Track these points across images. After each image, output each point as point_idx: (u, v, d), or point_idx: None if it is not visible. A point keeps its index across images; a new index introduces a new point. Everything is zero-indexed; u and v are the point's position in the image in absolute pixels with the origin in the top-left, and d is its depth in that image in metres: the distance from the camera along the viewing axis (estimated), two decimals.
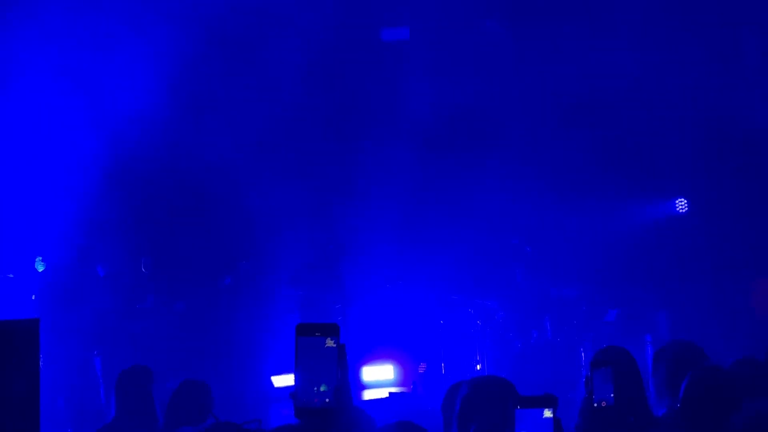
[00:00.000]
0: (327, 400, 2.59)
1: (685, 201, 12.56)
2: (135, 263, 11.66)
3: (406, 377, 11.71)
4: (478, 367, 10.76)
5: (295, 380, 2.61)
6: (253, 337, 11.57)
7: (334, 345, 2.62)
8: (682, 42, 11.35)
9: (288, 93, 11.62)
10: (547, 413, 3.08)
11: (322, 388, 2.59)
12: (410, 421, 3.56)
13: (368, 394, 10.97)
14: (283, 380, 11.19)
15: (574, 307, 11.28)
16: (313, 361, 2.61)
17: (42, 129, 10.11)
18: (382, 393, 10.90)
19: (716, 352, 5.50)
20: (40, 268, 10.03)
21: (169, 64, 10.49)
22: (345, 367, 2.67)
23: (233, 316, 11.60)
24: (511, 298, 11.32)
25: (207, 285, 11.64)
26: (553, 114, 11.98)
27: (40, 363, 3.45)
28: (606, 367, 3.73)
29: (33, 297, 9.83)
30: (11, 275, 9.80)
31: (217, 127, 11.58)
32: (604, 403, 3.67)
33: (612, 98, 11.66)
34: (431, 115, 12.04)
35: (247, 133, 11.74)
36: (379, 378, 11.66)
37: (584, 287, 11.53)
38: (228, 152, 11.48)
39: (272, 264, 11.73)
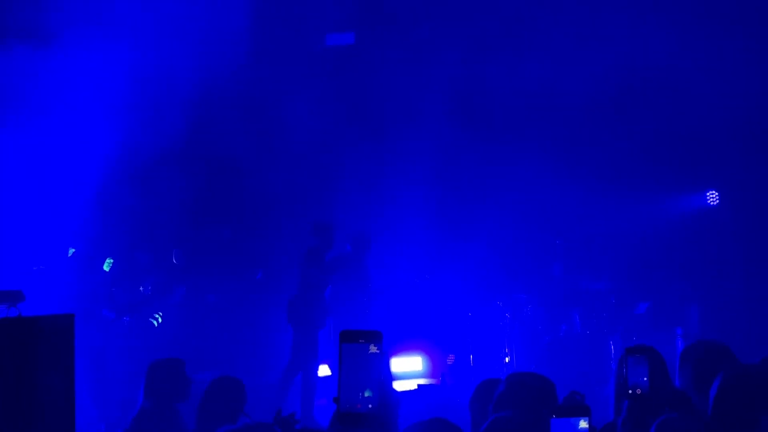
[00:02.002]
0: (370, 405, 2.64)
1: (717, 193, 12.47)
2: (167, 255, 11.79)
3: (434, 369, 11.72)
4: (507, 360, 10.76)
5: (339, 386, 2.67)
6: (284, 328, 11.63)
7: (378, 351, 2.68)
8: (715, 34, 11.23)
9: (316, 86, 11.64)
10: (583, 423, 3.10)
11: (366, 394, 2.65)
12: (443, 418, 3.59)
13: (397, 386, 10.99)
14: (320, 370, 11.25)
15: (604, 300, 11.24)
16: (357, 367, 2.67)
17: (74, 117, 10.16)
18: (411, 384, 10.93)
19: (746, 346, 5.48)
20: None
21: (206, 49, 10.52)
22: (388, 374, 2.74)
23: (264, 308, 11.68)
24: (540, 290, 11.30)
25: (239, 277, 11.72)
26: (586, 107, 11.91)
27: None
28: (641, 354, 3.75)
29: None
30: (36, 268, 9.90)
31: (247, 119, 11.64)
32: (639, 390, 3.69)
33: (644, 92, 11.57)
34: (463, 104, 12.01)
35: (277, 124, 11.78)
36: (408, 369, 11.69)
37: (614, 280, 11.48)
38: (256, 145, 11.54)
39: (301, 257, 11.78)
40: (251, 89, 11.68)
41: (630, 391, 3.70)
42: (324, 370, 10.94)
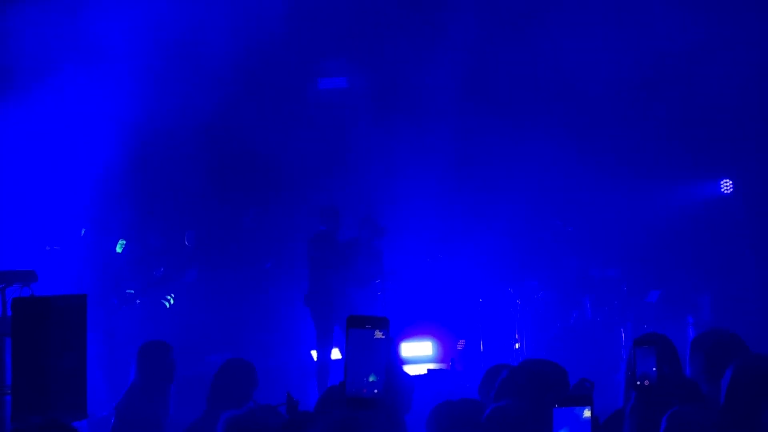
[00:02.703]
0: (376, 390, 2.65)
1: (731, 182, 12.41)
2: (179, 237, 11.83)
3: (444, 354, 11.73)
4: (517, 345, 10.76)
5: (345, 370, 2.69)
6: (294, 311, 11.66)
7: (383, 337, 2.70)
8: (732, 20, 11.15)
9: (333, 69, 11.63)
10: (587, 413, 3.10)
11: (371, 379, 2.67)
12: (473, 399, 3.59)
13: (407, 371, 11.02)
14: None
15: (615, 288, 11.21)
16: (363, 352, 2.70)
17: (84, 101, 10.18)
18: (421, 369, 10.95)
19: (759, 335, 5.46)
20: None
21: (219, 33, 10.52)
22: (397, 359, 2.77)
23: (277, 289, 11.71)
24: (551, 277, 11.28)
25: (251, 259, 11.75)
26: (602, 94, 11.84)
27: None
28: (649, 345, 3.75)
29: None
30: (50, 248, 9.94)
31: (261, 99, 11.64)
32: (647, 381, 3.69)
33: (660, 79, 11.50)
34: (478, 88, 11.96)
35: (293, 103, 11.81)
36: (418, 354, 11.70)
37: (626, 267, 11.45)
38: (270, 126, 11.55)
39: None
40: (268, 70, 11.67)
41: (638, 382, 3.70)
42: (336, 354, 10.98)
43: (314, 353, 11.19)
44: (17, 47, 9.53)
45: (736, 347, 4.30)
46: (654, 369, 3.69)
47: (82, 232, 10.14)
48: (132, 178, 11.00)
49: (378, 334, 2.71)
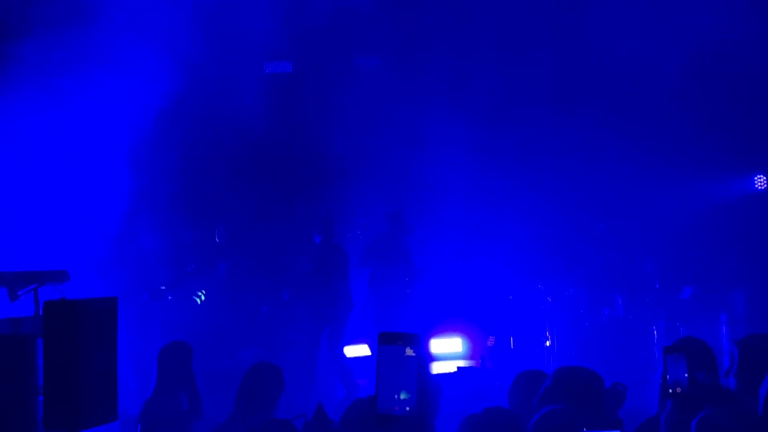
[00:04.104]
0: (407, 408, 2.65)
1: (765, 178, 12.26)
2: (210, 232, 11.89)
3: (474, 351, 11.71)
4: (548, 343, 10.71)
5: (377, 388, 2.68)
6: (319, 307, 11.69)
7: (414, 354, 2.69)
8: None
9: (362, 70, 11.61)
10: None
11: (402, 396, 2.66)
12: (501, 406, 3.58)
13: (437, 367, 11.03)
14: (355, 350, 11.31)
15: (648, 284, 11.12)
16: (394, 369, 2.68)
17: (116, 98, 10.22)
18: (451, 366, 10.94)
19: None
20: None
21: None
22: (426, 376, 2.74)
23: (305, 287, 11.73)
24: (582, 274, 11.21)
25: (282, 254, 11.79)
26: (636, 90, 11.73)
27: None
28: (679, 352, 3.71)
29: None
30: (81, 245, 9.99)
31: (291, 92, 11.66)
32: (679, 389, 3.65)
33: (694, 74, 11.36)
34: (506, 80, 11.88)
35: (323, 100, 11.81)
36: (448, 351, 11.69)
37: (658, 264, 11.35)
38: (299, 122, 11.57)
39: (342, 238, 11.82)
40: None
41: (671, 390, 3.67)
42: (359, 350, 11.02)
43: (345, 349, 11.22)
44: (44, 40, 9.60)
45: None
46: (686, 375, 3.65)
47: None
48: (165, 173, 11.04)
49: (409, 351, 2.70)
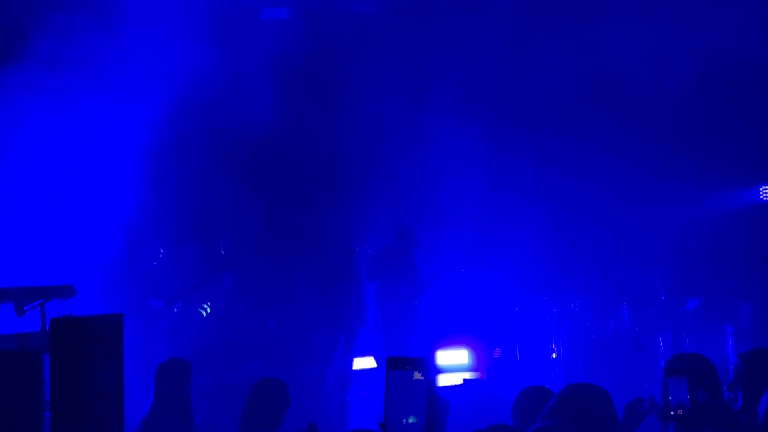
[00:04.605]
0: None
1: None
2: (216, 244, 11.91)
3: (480, 362, 11.71)
4: (554, 355, 10.70)
5: (385, 412, 2.69)
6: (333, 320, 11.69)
7: (422, 378, 2.70)
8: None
9: (363, 81, 11.62)
10: None
11: (410, 420, 2.67)
12: (503, 423, 3.57)
13: (443, 379, 11.03)
14: (359, 363, 11.32)
15: (653, 296, 11.10)
16: (403, 394, 2.69)
17: (123, 101, 10.22)
18: (457, 378, 10.94)
19: None
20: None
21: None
22: (435, 399, 2.74)
23: (312, 300, 11.74)
24: (588, 285, 11.19)
25: (287, 268, 11.80)
26: (639, 99, 11.74)
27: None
28: (680, 375, 3.70)
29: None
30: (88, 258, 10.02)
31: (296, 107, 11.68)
32: (680, 411, 3.63)
33: (699, 85, 11.36)
34: (510, 93, 11.89)
35: (327, 112, 11.83)
36: (454, 362, 11.70)
37: (664, 275, 11.33)
38: (297, 140, 11.60)
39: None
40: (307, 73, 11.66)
41: (672, 413, 3.65)
42: (364, 363, 11.03)
43: (354, 362, 11.21)
44: (52, 55, 9.62)
45: None
46: (687, 397, 3.63)
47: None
48: (167, 185, 11.06)
49: (417, 375, 2.71)
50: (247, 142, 11.82)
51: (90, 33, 9.62)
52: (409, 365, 2.69)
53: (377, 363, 11.10)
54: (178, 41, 9.83)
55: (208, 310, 11.26)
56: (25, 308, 5.12)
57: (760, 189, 12.33)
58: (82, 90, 9.71)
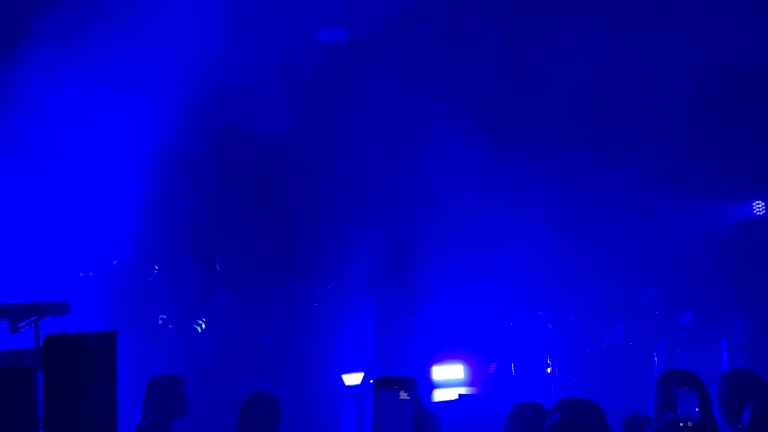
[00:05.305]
0: None
1: (763, 204, 12.29)
2: (211, 261, 11.91)
3: (475, 377, 11.71)
4: (549, 370, 10.71)
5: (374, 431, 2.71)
6: (324, 336, 11.71)
7: (409, 398, 2.71)
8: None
9: (357, 97, 11.65)
10: None
11: None
12: None
13: (438, 394, 11.03)
14: (354, 378, 11.33)
15: (648, 311, 11.12)
16: (390, 413, 2.70)
17: (118, 120, 10.20)
18: (452, 393, 10.94)
19: None
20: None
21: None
22: (424, 418, 2.75)
23: (304, 315, 11.76)
24: (582, 300, 11.21)
25: (283, 285, 11.80)
26: (632, 113, 11.78)
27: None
28: (690, 386, 3.71)
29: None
30: (83, 274, 10.03)
31: (292, 129, 11.69)
32: (690, 423, 3.64)
33: (692, 99, 11.41)
34: (501, 109, 11.92)
35: (319, 134, 11.84)
36: (449, 377, 11.69)
37: (658, 290, 11.36)
38: (294, 156, 11.62)
39: (344, 268, 11.86)
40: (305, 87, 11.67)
41: (681, 424, 3.65)
42: (358, 378, 11.04)
43: (345, 377, 11.25)
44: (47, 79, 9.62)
45: (756, 389, 4.20)
46: (696, 410, 3.64)
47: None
48: (167, 201, 11.06)
49: (403, 395, 2.72)
50: (245, 159, 11.84)
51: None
52: (396, 384, 2.70)
53: (373, 378, 11.10)
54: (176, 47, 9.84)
55: (203, 326, 11.26)
56: (19, 325, 5.13)
57: (754, 204, 12.36)
58: (83, 100, 9.71)
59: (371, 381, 11.08)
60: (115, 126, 10.03)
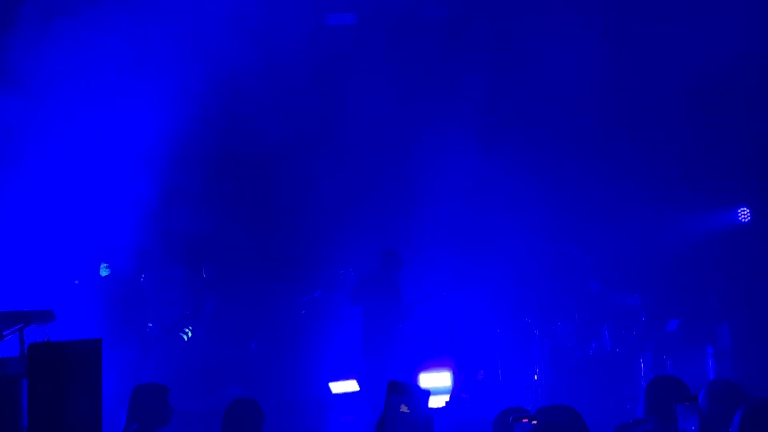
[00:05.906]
0: None
1: (748, 210, 12.35)
2: (196, 270, 11.88)
3: (463, 385, 11.72)
4: (536, 377, 10.72)
5: None
6: (311, 344, 11.70)
7: (420, 404, 2.77)
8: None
9: (345, 98, 11.66)
10: None
11: None
12: None
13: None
14: (341, 387, 11.32)
15: (634, 317, 11.16)
16: (402, 418, 2.71)
17: (111, 122, 10.14)
18: (440, 400, 10.94)
19: None
20: (104, 273, 10.23)
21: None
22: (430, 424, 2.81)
23: (291, 322, 11.75)
24: (569, 307, 11.24)
25: (270, 294, 11.79)
26: (617, 120, 11.83)
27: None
28: (692, 402, 3.73)
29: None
30: (77, 281, 10.00)
31: (279, 133, 11.69)
32: None
33: (677, 105, 11.46)
34: (487, 118, 11.95)
35: (306, 141, 11.84)
36: (437, 384, 11.69)
37: (644, 297, 11.40)
38: (284, 161, 11.62)
39: (331, 275, 11.87)
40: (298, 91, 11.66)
41: None
42: (346, 386, 11.03)
43: (332, 385, 11.23)
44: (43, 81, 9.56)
45: (738, 398, 4.23)
46: (696, 428, 3.66)
47: (105, 272, 10.19)
48: (156, 209, 11.02)
49: (403, 408, 2.77)
50: (230, 167, 11.83)
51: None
52: (409, 391, 2.74)
53: (359, 386, 11.09)
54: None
55: (190, 334, 11.23)
56: (3, 333, 5.10)
57: (739, 210, 12.42)
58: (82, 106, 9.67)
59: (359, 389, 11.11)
60: (105, 130, 9.99)
